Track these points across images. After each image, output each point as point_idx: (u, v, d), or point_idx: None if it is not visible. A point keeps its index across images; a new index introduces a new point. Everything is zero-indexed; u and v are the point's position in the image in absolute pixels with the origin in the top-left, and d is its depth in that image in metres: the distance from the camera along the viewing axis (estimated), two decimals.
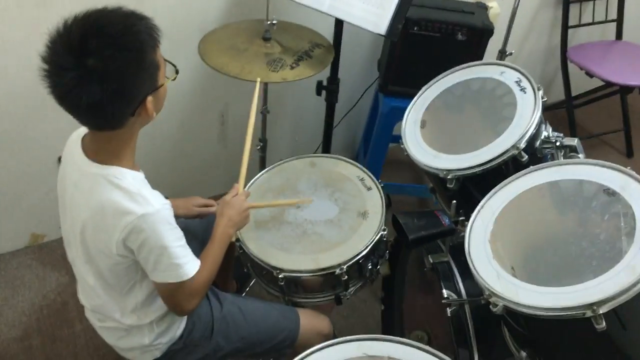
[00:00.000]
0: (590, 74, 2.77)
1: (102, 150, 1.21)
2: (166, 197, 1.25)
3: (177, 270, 1.24)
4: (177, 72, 1.27)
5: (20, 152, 2.11)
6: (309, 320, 1.56)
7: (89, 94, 1.07)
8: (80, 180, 1.23)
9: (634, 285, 1.06)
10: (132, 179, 1.20)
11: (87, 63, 1.06)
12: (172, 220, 1.23)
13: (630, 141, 3.03)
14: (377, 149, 2.43)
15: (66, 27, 1.08)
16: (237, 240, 1.61)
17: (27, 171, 2.17)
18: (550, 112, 3.03)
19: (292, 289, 1.60)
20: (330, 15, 1.84)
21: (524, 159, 1.45)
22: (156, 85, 1.18)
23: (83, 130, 1.28)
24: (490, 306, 1.22)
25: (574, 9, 2.91)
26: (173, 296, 1.28)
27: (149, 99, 1.16)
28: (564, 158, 1.48)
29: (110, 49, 1.08)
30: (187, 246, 1.26)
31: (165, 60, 1.23)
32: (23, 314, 2.10)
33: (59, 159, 2.17)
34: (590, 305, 1.07)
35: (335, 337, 1.22)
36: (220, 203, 1.48)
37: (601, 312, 1.07)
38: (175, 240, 1.23)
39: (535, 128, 1.46)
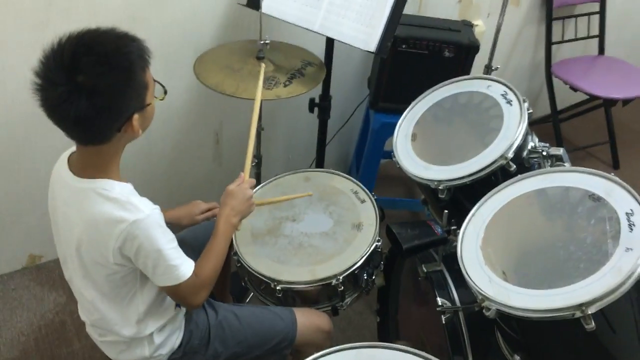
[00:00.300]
0: (574, 88, 2.85)
1: (89, 165, 1.25)
2: (166, 207, 1.29)
3: (174, 273, 1.27)
4: (165, 92, 1.31)
5: (18, 173, 2.14)
6: (307, 317, 1.58)
7: (77, 108, 1.11)
8: (70, 197, 1.27)
9: (620, 285, 1.11)
10: (120, 189, 1.24)
11: (77, 79, 1.11)
12: (163, 223, 1.27)
13: (615, 153, 3.10)
14: (369, 165, 2.47)
15: (60, 44, 1.14)
16: (235, 254, 1.65)
17: (24, 192, 2.19)
18: (536, 126, 3.09)
19: (289, 300, 1.63)
20: (322, 35, 1.90)
21: (512, 169, 1.50)
22: (143, 104, 1.22)
23: (67, 152, 1.32)
24: (484, 310, 1.25)
25: (556, 25, 2.99)
26: (178, 294, 1.33)
27: (135, 116, 1.20)
28: (550, 167, 1.53)
29: (100, 67, 1.12)
30: (179, 248, 1.30)
31: (155, 80, 1.27)
32: (21, 334, 2.11)
33: None
34: (579, 306, 1.11)
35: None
36: (224, 193, 1.47)
37: (590, 312, 1.11)
38: (168, 243, 1.26)
39: (522, 139, 1.52)
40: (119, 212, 1.21)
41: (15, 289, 2.28)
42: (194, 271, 1.31)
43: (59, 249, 1.39)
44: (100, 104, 1.13)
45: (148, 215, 1.22)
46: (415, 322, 1.91)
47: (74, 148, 1.30)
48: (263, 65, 1.69)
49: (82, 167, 1.25)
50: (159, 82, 1.29)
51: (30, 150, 2.11)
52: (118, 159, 1.28)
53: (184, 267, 1.29)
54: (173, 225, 1.53)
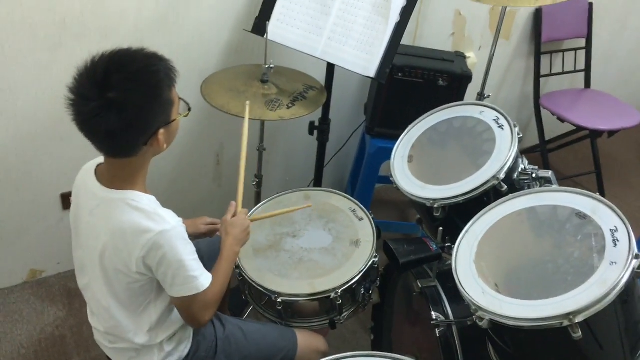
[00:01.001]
0: (562, 119, 2.96)
1: (117, 177, 1.32)
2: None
3: (193, 283, 1.33)
4: (189, 109, 1.39)
5: (23, 188, 2.19)
6: (306, 339, 1.64)
7: (107, 122, 1.19)
8: (97, 207, 1.33)
9: (606, 296, 1.18)
10: (148, 201, 1.31)
11: (108, 95, 1.18)
12: (186, 235, 1.33)
13: (601, 182, 3.20)
14: (365, 188, 2.55)
15: (93, 62, 1.21)
16: (237, 267, 1.71)
17: (29, 208, 2.24)
18: (525, 155, 3.19)
19: (289, 313, 1.68)
20: (323, 60, 2.00)
21: (503, 189, 1.58)
22: (169, 119, 1.30)
23: (93, 163, 1.39)
24: (477, 321, 1.32)
25: (545, 59, 3.12)
26: (190, 309, 1.37)
27: (161, 131, 1.28)
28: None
29: (129, 84, 1.20)
30: (199, 260, 1.36)
31: (180, 98, 1.35)
32: (22, 347, 2.14)
33: (62, 196, 2.28)
34: (567, 315, 1.19)
35: None
36: (223, 223, 1.55)
37: (577, 321, 1.18)
38: (190, 254, 1.32)
39: (513, 161, 1.61)
40: (147, 223, 1.27)
41: (16, 302, 2.31)
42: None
43: (77, 256, 1.45)
44: (129, 119, 1.20)
45: (174, 227, 1.29)
46: (408, 341, 1.96)
47: (98, 160, 1.37)
48: (248, 102, 1.77)
49: (111, 179, 1.32)
50: (183, 100, 1.36)
51: (37, 166, 2.17)
52: (145, 171, 1.35)
53: (203, 278, 1.35)
54: None
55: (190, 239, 1.36)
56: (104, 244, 1.31)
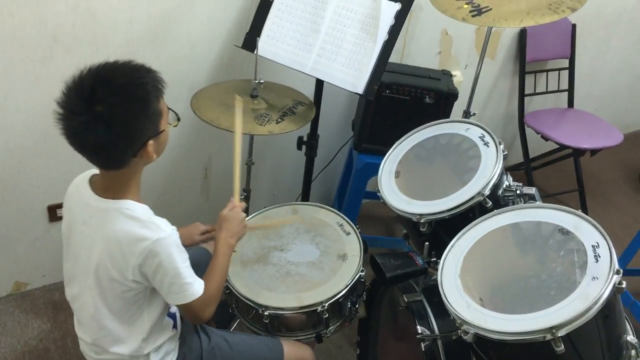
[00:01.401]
0: (545, 138, 3.01)
1: (110, 187, 1.33)
2: None
3: (188, 291, 1.35)
4: (178, 119, 1.41)
5: (10, 200, 2.18)
6: (292, 349, 1.65)
7: (95, 136, 1.20)
8: (91, 217, 1.34)
9: (587, 310, 1.21)
10: (142, 210, 1.32)
11: (96, 109, 1.19)
12: (180, 242, 1.35)
13: (584, 200, 3.25)
14: (352, 203, 2.57)
15: (80, 76, 1.22)
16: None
17: (15, 220, 2.24)
18: (510, 172, 3.24)
19: (275, 327, 1.69)
20: (313, 76, 2.03)
21: (488, 205, 1.61)
22: (158, 130, 1.31)
23: (87, 173, 1.40)
24: (461, 334, 1.34)
25: (529, 79, 3.18)
26: (190, 310, 1.39)
27: (150, 142, 1.29)
28: None
29: (116, 98, 1.21)
30: (191, 268, 1.37)
31: (169, 108, 1.37)
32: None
33: (49, 208, 2.27)
34: (550, 329, 1.21)
35: None
36: (219, 218, 1.57)
37: (559, 334, 1.21)
38: (184, 262, 1.34)
39: (498, 177, 1.64)
40: (142, 231, 1.28)
41: (0, 315, 2.29)
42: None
43: (67, 266, 1.45)
44: (117, 132, 1.21)
45: (169, 235, 1.31)
46: (394, 356, 1.97)
47: (93, 170, 1.38)
48: (238, 97, 1.80)
49: (104, 189, 1.33)
50: (172, 110, 1.38)
51: (25, 178, 2.17)
52: (137, 181, 1.36)
53: (196, 285, 1.37)
54: None
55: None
56: (99, 253, 1.32)
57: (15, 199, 2.20)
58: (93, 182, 1.37)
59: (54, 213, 2.28)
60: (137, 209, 1.31)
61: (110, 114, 1.20)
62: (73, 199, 1.41)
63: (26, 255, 2.34)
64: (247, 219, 1.87)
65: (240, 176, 1.68)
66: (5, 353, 2.15)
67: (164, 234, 1.29)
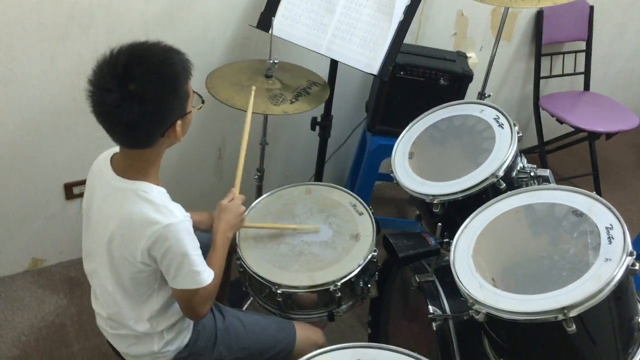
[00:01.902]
0: (560, 121, 2.99)
1: (131, 168, 1.35)
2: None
3: (196, 277, 1.36)
4: (202, 102, 1.42)
5: (27, 177, 2.21)
6: (304, 331, 1.67)
7: (128, 114, 1.21)
8: (110, 195, 1.36)
9: (600, 292, 1.21)
10: (158, 193, 1.34)
11: (129, 87, 1.21)
12: (192, 230, 1.36)
13: (598, 184, 3.23)
14: (365, 184, 2.58)
15: (112, 55, 1.24)
16: (238, 259, 1.73)
17: (32, 197, 2.27)
18: (524, 156, 3.23)
19: (288, 305, 1.71)
20: (327, 57, 2.03)
21: (502, 187, 1.61)
22: (185, 111, 1.33)
23: (109, 152, 1.42)
24: (473, 314, 1.35)
25: (545, 61, 3.15)
26: (190, 302, 1.40)
27: (178, 122, 1.31)
28: None
29: (150, 76, 1.23)
30: (202, 256, 1.39)
31: (194, 91, 1.38)
32: (22, 334, 2.17)
33: (65, 186, 2.30)
34: (561, 310, 1.22)
35: None
36: (217, 208, 1.59)
37: (571, 315, 1.21)
38: (195, 249, 1.35)
39: (512, 159, 1.63)
40: (154, 214, 1.30)
41: (17, 291, 2.33)
42: None
43: (86, 241, 1.48)
44: (150, 110, 1.23)
45: (181, 221, 1.32)
46: (405, 336, 1.99)
47: (115, 149, 1.39)
48: (254, 87, 1.82)
49: (125, 169, 1.35)
50: (197, 93, 1.39)
51: (42, 156, 2.19)
52: (158, 163, 1.38)
53: (206, 274, 1.39)
54: None
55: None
56: (112, 231, 1.34)
57: (32, 177, 2.22)
58: (114, 161, 1.39)
59: (70, 191, 2.31)
60: (153, 192, 1.33)
61: (143, 92, 1.21)
62: (95, 176, 1.42)
63: (43, 232, 2.37)
64: (259, 199, 1.90)
65: (244, 168, 1.69)
66: (23, 328, 2.19)
67: (175, 220, 1.31)
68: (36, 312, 2.26)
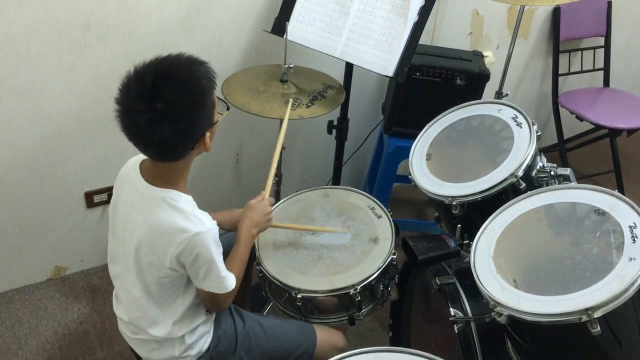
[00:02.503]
0: (580, 118, 2.95)
1: (160, 177, 1.35)
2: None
3: (222, 283, 1.39)
4: (227, 108, 1.43)
5: (49, 187, 2.24)
6: (324, 335, 1.67)
7: (160, 133, 1.22)
8: (138, 202, 1.37)
9: (624, 292, 1.19)
10: (186, 202, 1.35)
11: (158, 107, 1.21)
12: (218, 237, 1.38)
13: (621, 182, 3.18)
14: (383, 187, 2.57)
15: (137, 73, 1.24)
16: (258, 264, 1.74)
17: (54, 206, 2.29)
18: (544, 154, 3.19)
19: (308, 309, 1.71)
20: (342, 60, 2.02)
21: (521, 187, 1.59)
22: (212, 121, 1.34)
23: (137, 158, 1.42)
24: (495, 316, 1.33)
25: (563, 58, 3.11)
26: (214, 299, 1.43)
27: (207, 134, 1.32)
28: None
29: (178, 94, 1.23)
30: (223, 261, 1.41)
31: (219, 98, 1.38)
32: (47, 342, 2.19)
33: (86, 195, 2.32)
34: (585, 310, 1.20)
35: None
36: (245, 206, 1.60)
37: (596, 316, 1.19)
38: (219, 255, 1.38)
39: (531, 159, 1.61)
40: (184, 223, 1.31)
41: (41, 299, 2.36)
42: None
43: (111, 245, 1.49)
44: (181, 128, 1.24)
45: (209, 229, 1.34)
46: (427, 340, 1.97)
47: (142, 155, 1.39)
48: (290, 100, 1.85)
49: (154, 177, 1.36)
50: (222, 99, 1.41)
51: (62, 165, 2.22)
52: (187, 172, 1.39)
53: (230, 279, 1.42)
54: None
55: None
56: (140, 237, 1.35)
57: (54, 186, 2.25)
58: (143, 168, 1.39)
59: (90, 199, 2.33)
60: (182, 200, 1.34)
61: (172, 110, 1.22)
62: (124, 181, 1.43)
63: (65, 240, 2.40)
64: (277, 204, 1.90)
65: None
66: (47, 335, 2.22)
67: (205, 228, 1.32)
68: (59, 320, 2.29)
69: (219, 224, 1.68)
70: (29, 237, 2.32)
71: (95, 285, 2.43)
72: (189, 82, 1.25)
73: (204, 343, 1.53)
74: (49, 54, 1.98)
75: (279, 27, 2.04)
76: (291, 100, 1.85)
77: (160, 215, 1.32)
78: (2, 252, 2.30)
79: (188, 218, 1.32)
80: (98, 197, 2.34)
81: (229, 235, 1.75)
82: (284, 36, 1.98)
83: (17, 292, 2.39)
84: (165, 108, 1.21)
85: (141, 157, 1.41)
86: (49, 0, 1.89)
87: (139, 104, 1.21)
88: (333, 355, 1.66)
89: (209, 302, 1.46)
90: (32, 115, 2.07)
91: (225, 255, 1.45)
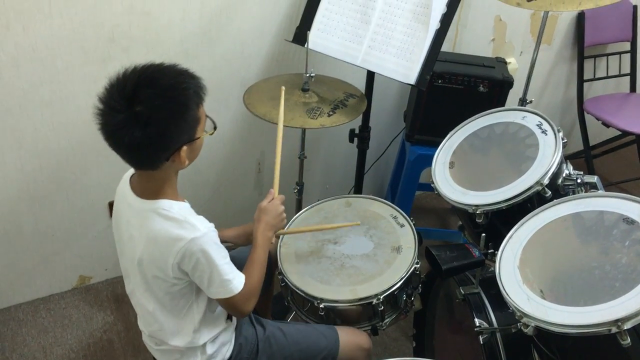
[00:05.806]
0: (606, 124, 2.90)
1: (146, 189, 1.35)
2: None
3: (227, 286, 1.37)
4: (215, 128, 1.40)
5: (74, 197, 2.27)
6: (348, 336, 1.65)
7: (131, 135, 1.20)
8: (133, 217, 1.37)
9: None
10: (179, 209, 1.34)
11: (136, 109, 1.20)
12: (217, 240, 1.37)
13: None
14: (405, 195, 2.55)
15: (124, 75, 1.24)
16: (280, 273, 1.73)
17: (78, 216, 2.32)
18: (569, 161, 3.15)
19: (331, 319, 1.69)
20: (363, 68, 2.02)
21: (547, 195, 1.56)
22: (193, 137, 1.31)
23: (129, 173, 1.43)
24: (522, 328, 1.31)
25: (588, 63, 3.07)
26: (230, 304, 1.41)
27: (184, 148, 1.29)
28: None
29: (158, 100, 1.22)
30: (232, 263, 1.39)
31: (207, 116, 1.37)
32: (72, 351, 2.21)
33: (110, 205, 2.34)
34: (615, 322, 1.17)
35: None
36: (257, 209, 1.57)
37: (626, 328, 1.16)
38: (222, 258, 1.36)
39: (557, 166, 1.59)
40: (178, 231, 1.30)
41: (66, 308, 2.39)
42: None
43: (122, 263, 1.50)
44: (153, 133, 1.22)
45: (204, 234, 1.32)
46: (451, 349, 1.95)
47: (132, 170, 1.40)
48: (283, 87, 1.80)
49: (142, 190, 1.36)
50: (210, 118, 1.38)
51: (86, 176, 2.24)
52: (172, 182, 1.37)
53: (236, 281, 1.39)
54: (229, 244, 1.64)
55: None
56: (141, 252, 1.35)
57: (78, 197, 2.28)
58: (132, 182, 1.40)
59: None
60: (173, 208, 1.33)
61: (149, 115, 1.20)
62: (120, 197, 1.44)
63: (89, 250, 2.42)
64: (298, 213, 1.90)
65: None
66: (72, 344, 2.24)
67: (199, 233, 1.31)
68: (84, 328, 2.30)
69: (233, 240, 1.68)
70: (54, 247, 2.34)
71: (119, 294, 2.45)
72: (172, 89, 1.24)
73: (226, 352, 1.53)
74: (74, 65, 2.01)
75: (300, 36, 2.04)
76: (283, 88, 1.80)
77: (154, 227, 1.32)
78: (28, 261, 2.33)
79: (181, 226, 1.31)
80: None
81: (240, 249, 1.74)
82: (305, 45, 1.98)
83: (42, 301, 2.42)
84: (143, 111, 1.20)
85: (132, 171, 1.41)
86: (74, 12, 1.92)
87: (119, 104, 1.20)
88: (359, 356, 1.65)
89: (228, 309, 1.45)
90: (57, 126, 2.10)
91: (240, 268, 1.43)
